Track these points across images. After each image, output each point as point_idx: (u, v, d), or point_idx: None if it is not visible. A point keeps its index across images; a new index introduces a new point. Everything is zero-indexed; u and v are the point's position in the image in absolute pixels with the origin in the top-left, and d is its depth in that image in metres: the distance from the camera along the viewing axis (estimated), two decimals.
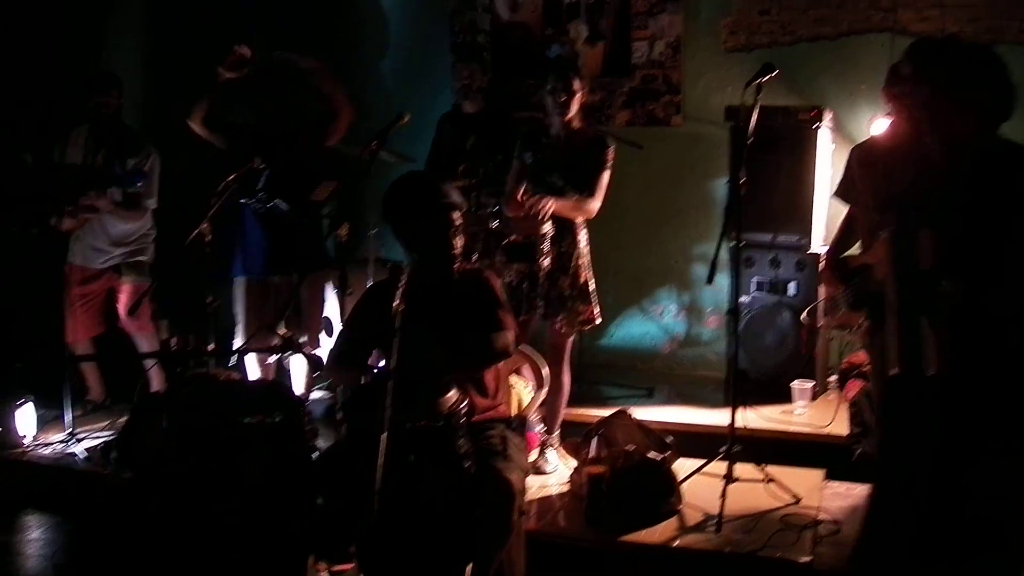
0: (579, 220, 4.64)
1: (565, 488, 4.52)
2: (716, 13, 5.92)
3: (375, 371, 3.92)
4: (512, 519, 3.35)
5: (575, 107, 4.57)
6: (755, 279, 5.44)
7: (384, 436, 2.86)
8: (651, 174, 6.08)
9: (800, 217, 5.29)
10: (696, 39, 6.02)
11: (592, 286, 4.70)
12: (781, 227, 5.33)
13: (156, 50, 6.81)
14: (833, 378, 5.40)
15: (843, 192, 3.66)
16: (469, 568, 3.32)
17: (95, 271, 5.52)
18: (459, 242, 3.71)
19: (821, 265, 3.95)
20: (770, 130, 4.92)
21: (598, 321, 4.74)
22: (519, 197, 4.40)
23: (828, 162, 5.37)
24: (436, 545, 3.28)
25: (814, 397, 5.22)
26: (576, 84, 4.54)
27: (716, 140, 5.66)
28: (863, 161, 3.53)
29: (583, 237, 4.67)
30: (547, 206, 4.38)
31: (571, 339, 4.72)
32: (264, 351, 4.72)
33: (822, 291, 4.13)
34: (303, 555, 3.60)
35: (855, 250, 3.71)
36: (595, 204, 4.59)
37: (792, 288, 5.36)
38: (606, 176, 4.60)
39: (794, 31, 5.71)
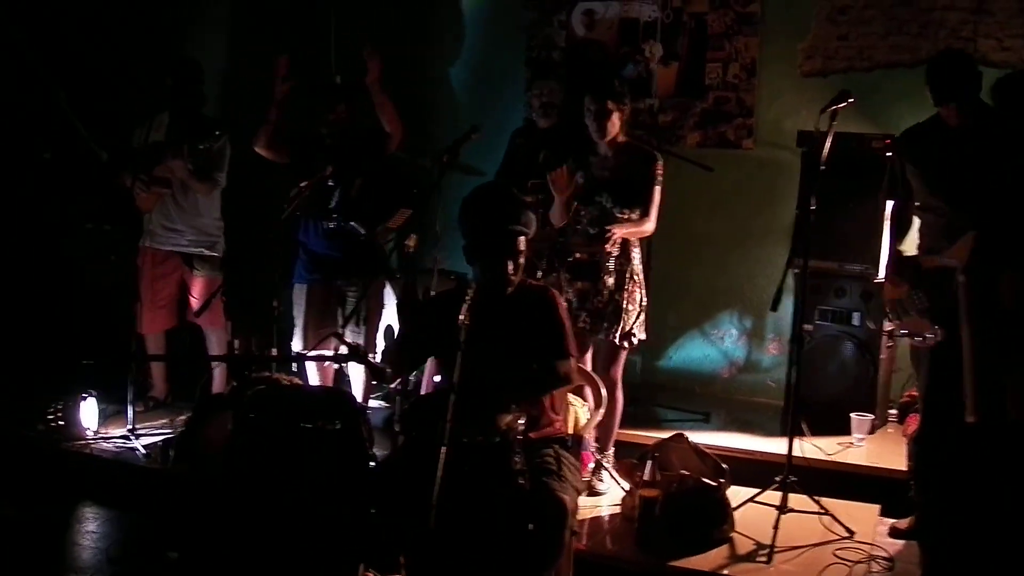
0: (634, 238, 4.65)
1: (617, 509, 4.50)
2: (792, 36, 5.87)
3: (436, 384, 3.95)
4: (564, 539, 3.35)
5: (615, 127, 4.57)
6: (819, 307, 5.37)
7: (443, 450, 2.87)
8: (720, 196, 6.05)
9: (868, 246, 5.20)
10: (771, 62, 5.97)
11: (644, 302, 4.70)
12: (848, 256, 5.26)
13: (239, 49, 6.91)
14: (893, 411, 5.31)
15: (890, 188, 3.59)
16: None
17: (165, 253, 5.60)
18: (514, 267, 3.71)
19: (883, 268, 3.87)
20: (842, 157, 4.87)
21: (642, 337, 4.72)
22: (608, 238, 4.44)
23: None
24: (486, 561, 3.29)
25: (873, 430, 5.14)
26: (610, 104, 4.53)
27: (787, 165, 5.61)
28: (911, 151, 3.45)
29: (636, 254, 4.67)
30: (615, 236, 4.42)
31: (624, 356, 4.72)
32: (331, 359, 4.78)
33: (886, 293, 4.08)
34: (355, 562, 3.63)
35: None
36: (651, 224, 4.60)
37: (856, 318, 5.29)
38: (657, 192, 4.60)
39: (871, 57, 5.65)
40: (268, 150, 5.14)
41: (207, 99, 5.62)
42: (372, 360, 3.65)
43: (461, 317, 3.31)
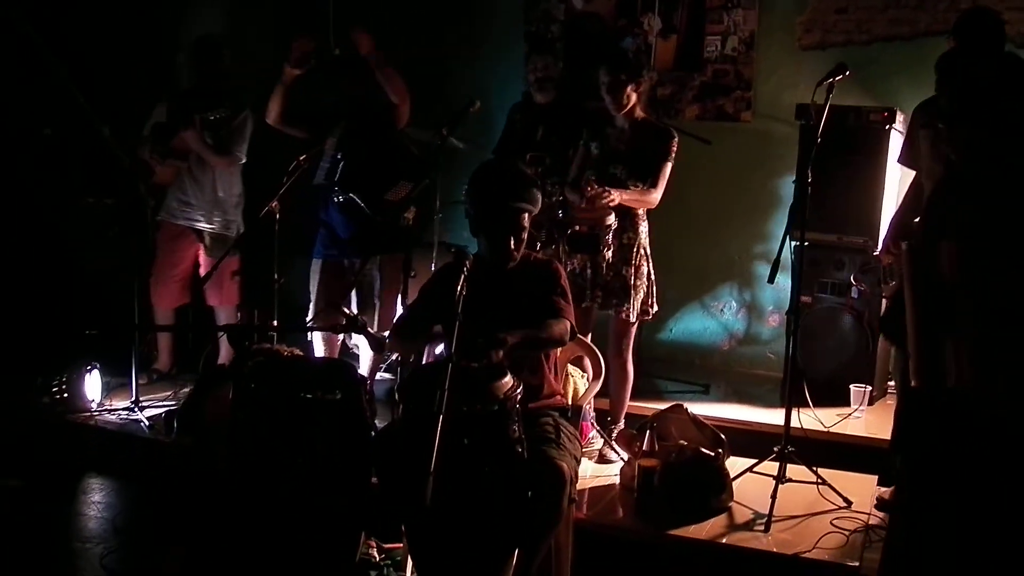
0: (641, 212, 4.69)
1: (616, 479, 4.54)
2: (791, 9, 5.87)
3: (435, 354, 3.97)
4: (562, 507, 3.38)
5: (630, 99, 4.58)
6: (819, 280, 5.40)
7: (440, 419, 2.90)
8: (719, 170, 6.06)
9: (867, 220, 5.23)
10: (770, 35, 5.97)
11: (653, 276, 4.73)
12: (847, 229, 5.28)
13: (237, 26, 6.89)
14: (892, 383, 5.34)
15: (906, 156, 3.60)
16: (517, 553, 3.37)
17: (180, 228, 5.62)
18: (516, 242, 3.74)
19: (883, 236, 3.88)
20: (841, 130, 4.90)
21: (654, 310, 4.76)
22: (585, 187, 4.44)
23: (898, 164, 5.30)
24: (485, 529, 3.32)
25: (871, 401, 5.17)
26: (624, 77, 4.54)
27: (786, 138, 5.62)
28: (927, 122, 3.46)
29: (644, 229, 4.70)
30: (612, 198, 4.41)
31: (634, 329, 4.75)
32: (327, 330, 4.82)
33: (883, 258, 4.09)
34: (356, 531, 3.67)
35: None
36: (656, 195, 4.62)
37: (855, 291, 5.31)
38: (668, 167, 4.62)
39: (870, 30, 5.65)
40: (281, 123, 5.15)
41: (229, 75, 5.59)
42: (369, 331, 3.67)
43: (458, 289, 3.33)
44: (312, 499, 3.47)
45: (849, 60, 4.30)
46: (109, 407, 5.33)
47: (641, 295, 4.69)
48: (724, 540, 3.94)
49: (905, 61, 5.53)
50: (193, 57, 5.57)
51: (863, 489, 4.37)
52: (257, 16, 6.72)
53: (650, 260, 4.74)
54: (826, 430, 4.85)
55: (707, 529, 4.01)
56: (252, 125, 5.53)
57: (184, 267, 5.71)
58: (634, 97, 4.61)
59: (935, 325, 3.10)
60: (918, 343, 3.17)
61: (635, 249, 4.66)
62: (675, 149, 4.63)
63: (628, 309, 4.65)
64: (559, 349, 3.86)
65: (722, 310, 6.30)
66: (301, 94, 5.14)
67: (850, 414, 5.07)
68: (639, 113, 4.67)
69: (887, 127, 5.15)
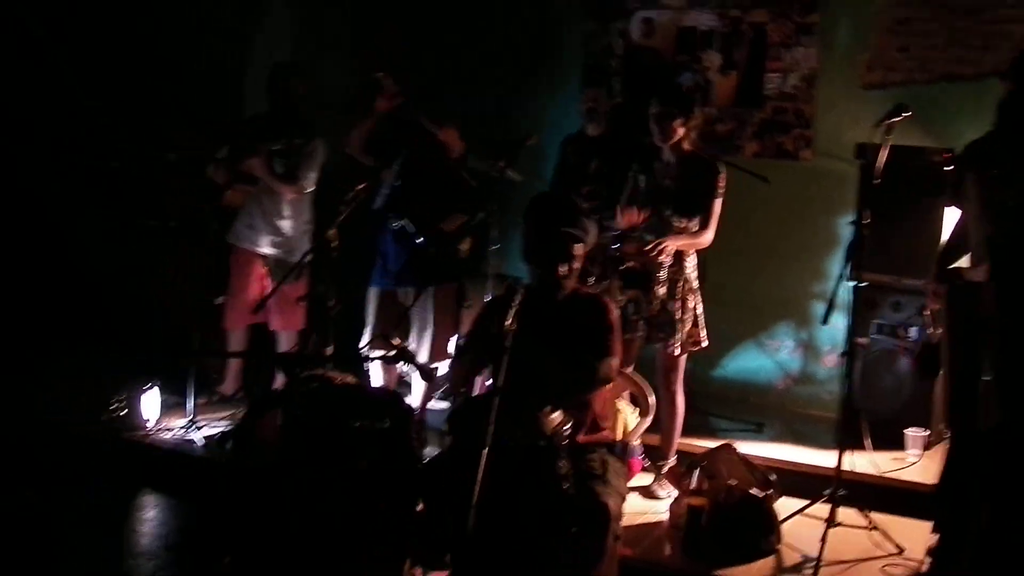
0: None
1: (664, 517, 4.51)
2: (853, 47, 5.83)
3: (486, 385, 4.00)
4: (606, 543, 3.38)
5: (677, 132, 4.58)
6: (876, 321, 5.34)
7: (485, 451, 2.92)
8: (777, 207, 6.01)
9: (926, 261, 5.11)
10: (831, 73, 5.93)
11: (700, 309, 4.72)
12: (906, 270, 5.20)
13: (307, 51, 7.02)
14: None
15: (953, 196, 3.56)
16: None
17: (246, 252, 5.69)
18: (567, 270, 3.78)
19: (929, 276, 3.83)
20: (902, 170, 4.83)
21: (705, 343, 4.75)
22: (634, 219, 4.49)
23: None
24: (529, 563, 3.33)
25: (928, 446, 5.08)
26: (675, 111, 4.55)
27: (846, 177, 5.56)
28: (976, 161, 3.41)
29: (691, 263, 4.70)
30: (666, 248, 4.46)
31: (683, 362, 4.73)
32: (375, 359, 4.86)
33: (930, 302, 4.05)
34: (401, 558, 3.68)
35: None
36: (708, 236, 4.62)
37: (914, 333, 5.24)
38: (718, 204, 4.61)
39: (932, 69, 5.58)
40: (362, 154, 5.25)
41: (301, 103, 5.66)
42: (417, 361, 3.70)
43: (507, 322, 3.36)
44: (357, 525, 3.49)
45: (911, 99, 4.27)
46: (166, 426, 5.42)
47: (687, 327, 4.68)
48: None
49: (968, 101, 5.44)
50: (266, 83, 5.66)
51: (916, 535, 4.28)
52: (325, 43, 6.82)
53: (697, 293, 4.73)
54: (880, 474, 4.77)
55: (754, 571, 3.99)
56: (324, 153, 5.60)
57: (253, 290, 5.76)
58: (682, 131, 4.60)
59: (972, 367, 3.06)
60: (951, 386, 3.13)
61: (680, 283, 4.66)
62: (722, 184, 4.61)
63: (674, 343, 4.64)
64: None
65: (778, 348, 6.24)
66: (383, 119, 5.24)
67: (906, 459, 4.97)
68: (686, 147, 4.66)
69: (947, 168, 5.08)
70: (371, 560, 3.57)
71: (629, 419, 4.38)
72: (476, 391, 5.21)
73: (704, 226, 4.59)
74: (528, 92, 6.72)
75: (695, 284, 4.72)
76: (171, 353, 5.71)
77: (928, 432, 5.07)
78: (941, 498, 3.95)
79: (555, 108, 6.54)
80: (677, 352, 4.67)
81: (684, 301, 4.66)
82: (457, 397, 4.50)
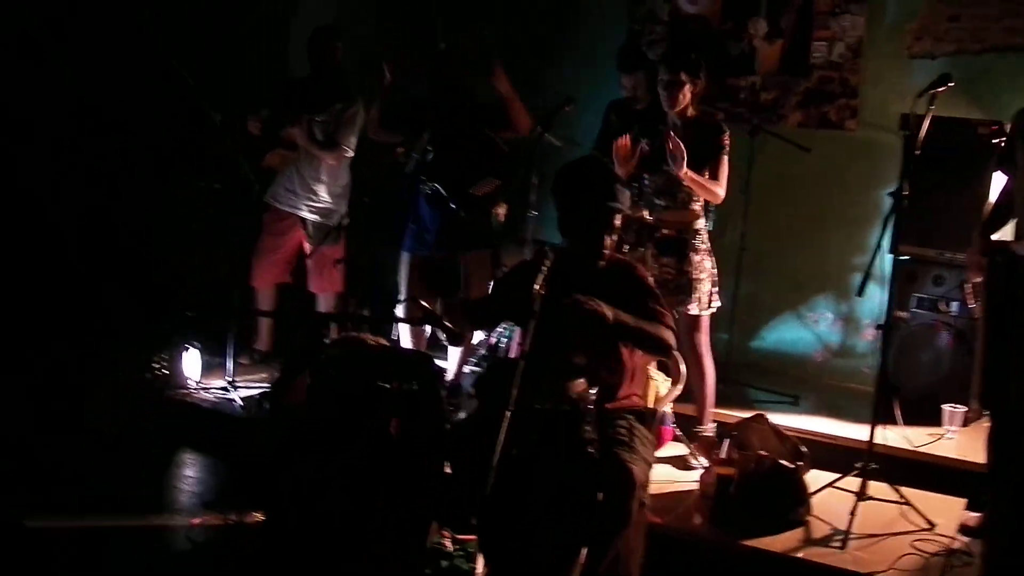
0: (698, 207, 4.68)
1: (694, 486, 4.51)
2: (901, 17, 5.73)
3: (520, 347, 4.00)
4: (630, 509, 3.37)
5: (685, 98, 4.57)
6: (916, 295, 5.27)
7: (507, 414, 2.93)
8: (820, 178, 5.95)
9: (969, 235, 5.07)
10: (878, 43, 5.84)
11: (715, 270, 4.74)
12: (949, 244, 5.13)
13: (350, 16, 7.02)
14: None
15: (1001, 162, 3.46)
16: (584, 552, 3.38)
17: (285, 212, 5.73)
18: (610, 242, 3.75)
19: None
20: (947, 143, 4.75)
21: (718, 304, 4.75)
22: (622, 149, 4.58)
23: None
24: (553, 527, 3.34)
25: (966, 423, 5.01)
26: (683, 76, 4.54)
27: (891, 148, 5.48)
28: None
29: (701, 224, 4.73)
30: (686, 171, 4.43)
31: (706, 323, 4.72)
32: (403, 322, 4.87)
33: (970, 275, 3.99)
34: (427, 520, 3.72)
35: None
36: (720, 189, 4.61)
37: (954, 307, 5.17)
38: (725, 161, 4.61)
39: (984, 39, 5.47)
40: (379, 134, 5.30)
41: (342, 67, 5.68)
42: (445, 324, 3.71)
43: (536, 286, 3.35)
44: (384, 486, 3.53)
45: (959, 70, 4.19)
46: (206, 386, 5.51)
47: (704, 288, 4.67)
48: (799, 554, 3.89)
49: (1019, 73, 5.34)
50: (308, 47, 5.67)
51: (948, 512, 4.25)
52: (367, 7, 6.82)
53: (711, 255, 4.74)
54: (913, 449, 4.73)
55: (782, 541, 3.97)
56: (363, 118, 5.61)
57: (286, 250, 5.83)
58: (689, 96, 4.59)
59: (1007, 345, 3.01)
60: (985, 363, 3.08)
61: (693, 245, 4.68)
62: (727, 142, 4.62)
63: (691, 303, 4.64)
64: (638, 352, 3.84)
65: (817, 321, 6.19)
66: (398, 95, 5.24)
67: (942, 435, 4.92)
68: (690, 111, 4.66)
69: (995, 141, 4.99)
70: (397, 521, 3.62)
71: (661, 387, 4.38)
72: (512, 355, 5.24)
73: (714, 177, 4.58)
74: (571, 57, 6.68)
75: (707, 243, 4.73)
76: (211, 313, 5.77)
77: (967, 409, 5.01)
78: (991, 480, 3.90)
79: (597, 73, 6.48)
80: (695, 311, 4.65)
81: (700, 261, 4.67)
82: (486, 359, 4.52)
